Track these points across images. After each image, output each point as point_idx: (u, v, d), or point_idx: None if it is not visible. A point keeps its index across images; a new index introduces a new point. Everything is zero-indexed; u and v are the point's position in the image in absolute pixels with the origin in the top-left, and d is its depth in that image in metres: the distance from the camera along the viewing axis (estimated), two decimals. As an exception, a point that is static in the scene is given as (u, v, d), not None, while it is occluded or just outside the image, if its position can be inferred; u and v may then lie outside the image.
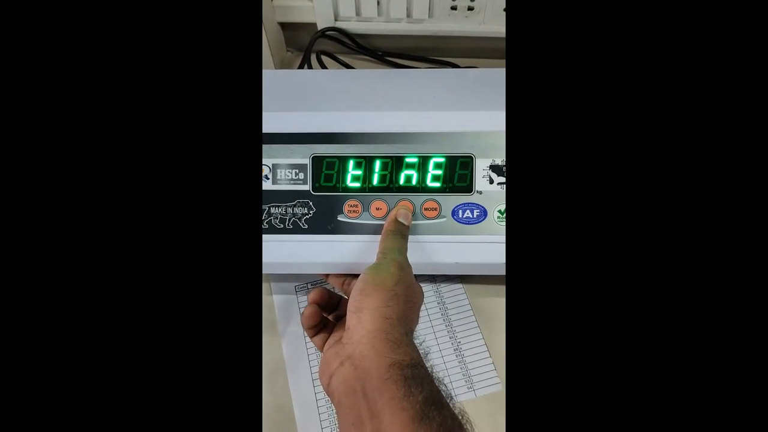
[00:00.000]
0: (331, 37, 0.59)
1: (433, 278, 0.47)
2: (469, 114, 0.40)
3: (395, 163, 0.40)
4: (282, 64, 0.62)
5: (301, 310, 0.46)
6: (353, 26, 0.58)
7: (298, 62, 0.59)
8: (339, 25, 0.58)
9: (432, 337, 0.44)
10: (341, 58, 0.59)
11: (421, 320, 0.45)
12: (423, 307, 0.45)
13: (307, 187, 0.40)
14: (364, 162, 0.40)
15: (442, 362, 0.43)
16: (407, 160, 0.40)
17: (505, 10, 0.55)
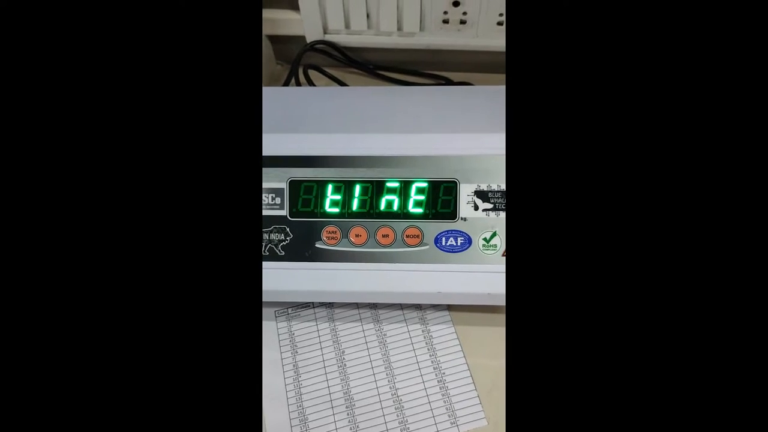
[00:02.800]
0: (320, 50, 0.57)
1: (419, 305, 0.45)
2: (453, 137, 0.38)
3: (376, 188, 0.38)
4: (272, 78, 0.61)
5: (281, 336, 0.44)
6: (343, 39, 0.57)
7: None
8: (328, 38, 0.57)
9: (415, 367, 0.42)
10: (331, 71, 0.58)
11: (404, 349, 0.43)
12: (407, 338, 0.44)
13: (284, 212, 0.38)
14: (343, 186, 0.38)
15: (425, 395, 0.41)
16: (388, 184, 0.38)
17: (499, 23, 0.53)
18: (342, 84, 0.57)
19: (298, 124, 0.40)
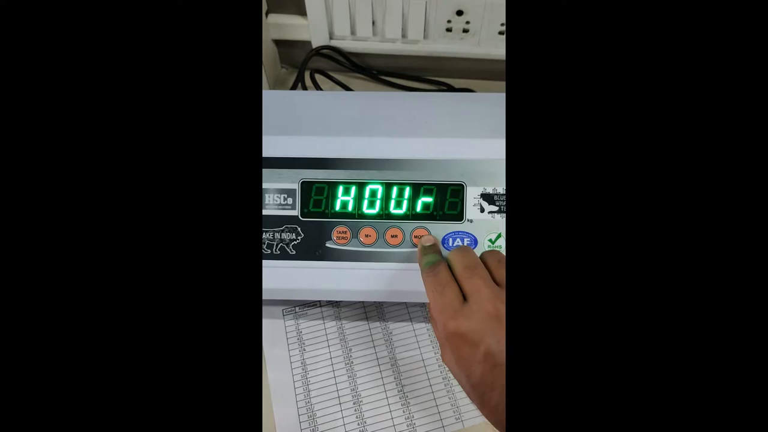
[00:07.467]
0: (325, 56, 0.59)
1: (424, 303, 0.46)
2: (460, 141, 0.39)
3: (385, 190, 0.39)
4: (276, 82, 0.62)
5: (288, 334, 0.45)
6: (348, 45, 0.58)
7: (292, 79, 0.59)
8: (334, 43, 0.58)
9: (420, 364, 0.43)
10: (336, 76, 0.59)
11: (409, 348, 0.44)
12: (413, 335, 0.45)
13: (296, 212, 0.39)
14: (353, 188, 0.39)
15: (430, 391, 0.42)
16: (397, 186, 0.39)
17: (500, 33, 0.54)
18: (347, 88, 0.59)
19: (310, 127, 0.41)
